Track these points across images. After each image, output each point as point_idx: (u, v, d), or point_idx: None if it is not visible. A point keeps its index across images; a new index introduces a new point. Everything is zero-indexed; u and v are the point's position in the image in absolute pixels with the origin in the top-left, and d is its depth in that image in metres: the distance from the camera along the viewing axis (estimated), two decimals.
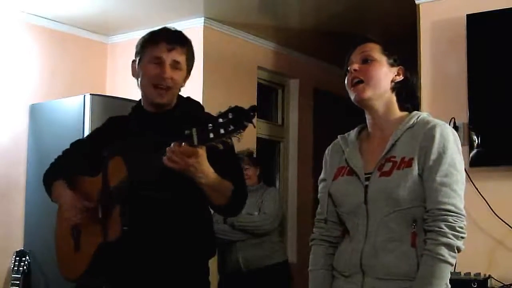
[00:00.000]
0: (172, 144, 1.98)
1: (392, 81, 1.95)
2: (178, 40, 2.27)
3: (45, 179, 2.42)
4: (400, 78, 1.96)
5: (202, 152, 1.98)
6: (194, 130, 1.93)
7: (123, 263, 2.20)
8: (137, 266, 2.20)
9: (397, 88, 1.96)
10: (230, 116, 1.85)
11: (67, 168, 2.39)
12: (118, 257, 2.20)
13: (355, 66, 1.94)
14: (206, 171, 2.04)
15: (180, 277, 2.21)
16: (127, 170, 2.14)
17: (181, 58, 2.25)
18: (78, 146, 2.48)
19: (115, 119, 2.44)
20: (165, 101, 2.26)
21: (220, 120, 1.86)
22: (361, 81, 1.93)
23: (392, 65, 1.96)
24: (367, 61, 1.95)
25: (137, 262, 2.20)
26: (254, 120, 1.88)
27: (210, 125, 1.87)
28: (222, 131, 1.86)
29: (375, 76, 1.93)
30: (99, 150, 2.26)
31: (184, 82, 2.32)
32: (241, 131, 1.85)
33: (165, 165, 2.00)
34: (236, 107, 1.87)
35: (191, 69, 2.34)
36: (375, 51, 1.96)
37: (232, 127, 1.85)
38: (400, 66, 1.97)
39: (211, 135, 1.87)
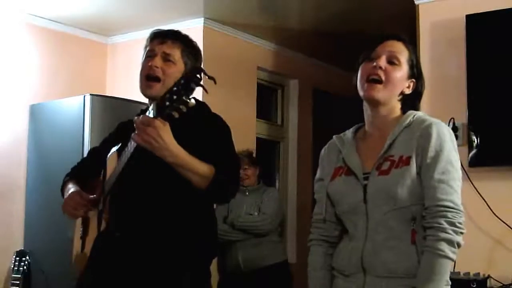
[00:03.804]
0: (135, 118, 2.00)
1: (401, 92, 1.97)
2: (170, 34, 2.31)
3: (62, 184, 2.48)
4: (408, 91, 1.98)
5: (159, 123, 1.95)
6: (154, 102, 1.94)
7: (116, 264, 2.16)
8: (129, 268, 2.14)
9: (403, 99, 1.98)
10: (182, 82, 1.85)
11: (78, 170, 2.49)
12: (110, 257, 2.18)
13: (383, 63, 1.93)
14: (171, 145, 2.01)
15: (176, 282, 2.16)
16: (118, 164, 2.17)
17: (173, 51, 2.27)
18: (92, 150, 2.58)
19: (123, 123, 2.47)
20: (153, 93, 2.23)
21: (174, 88, 1.86)
22: (379, 81, 1.92)
23: (409, 77, 1.97)
24: (392, 62, 1.94)
25: (128, 263, 2.15)
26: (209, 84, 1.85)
27: (167, 95, 1.87)
28: (174, 97, 1.86)
29: (395, 82, 1.94)
30: (107, 152, 2.30)
31: None
32: (190, 94, 1.85)
33: (155, 159, 2.01)
34: (187, 73, 1.87)
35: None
36: (403, 56, 1.97)
37: (182, 92, 1.84)
38: (413, 80, 1.98)
39: (167, 103, 1.87)
